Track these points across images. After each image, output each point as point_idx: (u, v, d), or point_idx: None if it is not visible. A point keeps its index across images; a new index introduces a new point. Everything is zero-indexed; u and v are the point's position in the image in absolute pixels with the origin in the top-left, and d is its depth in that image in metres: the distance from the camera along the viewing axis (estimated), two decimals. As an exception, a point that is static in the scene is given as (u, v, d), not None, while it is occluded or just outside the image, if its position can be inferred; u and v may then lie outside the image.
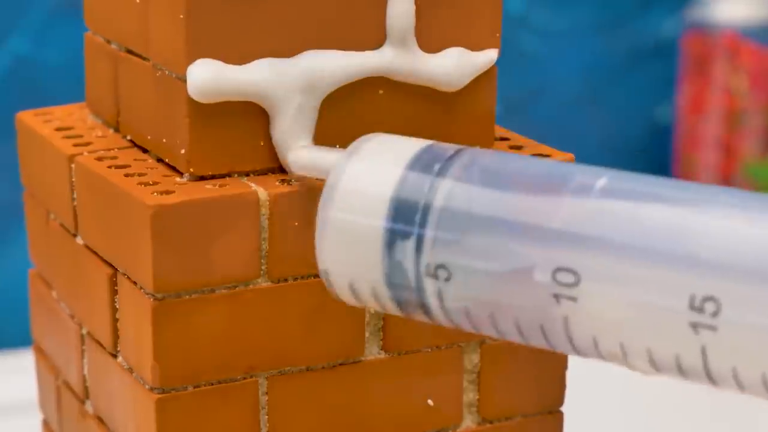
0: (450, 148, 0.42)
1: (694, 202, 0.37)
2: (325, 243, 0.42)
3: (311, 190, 0.47)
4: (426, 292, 0.41)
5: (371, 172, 0.42)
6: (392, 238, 0.40)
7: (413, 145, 0.43)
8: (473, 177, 0.40)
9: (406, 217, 0.40)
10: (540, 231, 0.38)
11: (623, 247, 0.37)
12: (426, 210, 0.40)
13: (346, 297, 0.43)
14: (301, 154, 0.45)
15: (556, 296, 0.38)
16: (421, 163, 0.41)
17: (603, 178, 0.39)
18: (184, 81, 0.47)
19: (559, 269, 0.38)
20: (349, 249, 0.41)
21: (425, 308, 0.41)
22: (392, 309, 0.42)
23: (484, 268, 0.39)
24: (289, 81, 0.47)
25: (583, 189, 0.39)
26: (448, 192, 0.40)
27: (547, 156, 0.52)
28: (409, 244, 0.40)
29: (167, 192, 0.46)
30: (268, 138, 0.48)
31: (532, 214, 0.39)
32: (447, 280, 0.40)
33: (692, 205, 0.37)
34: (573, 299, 0.38)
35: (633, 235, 0.37)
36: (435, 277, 0.40)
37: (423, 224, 0.40)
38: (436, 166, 0.41)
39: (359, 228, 0.41)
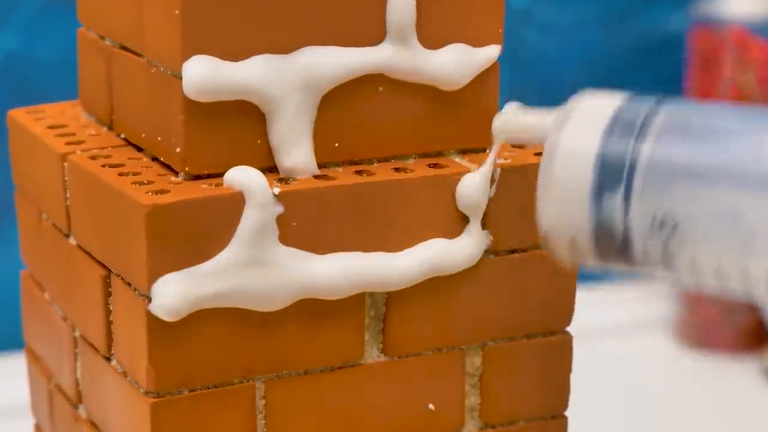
0: (646, 103, 0.45)
1: None
2: (547, 201, 0.45)
3: (310, 190, 0.47)
4: (637, 243, 0.43)
5: (580, 136, 0.45)
6: (600, 189, 0.44)
7: (611, 104, 0.46)
8: (672, 137, 0.43)
9: (613, 171, 0.44)
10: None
11: None
12: (632, 163, 0.43)
13: (566, 254, 0.45)
14: (510, 119, 0.48)
15: None
16: (618, 128, 0.44)
17: None
18: (180, 78, 0.47)
19: None
20: (565, 204, 0.44)
21: (635, 260, 0.44)
22: (617, 264, 0.45)
23: (711, 214, 0.42)
24: (287, 78, 0.47)
25: None
26: (653, 145, 0.43)
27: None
28: (618, 195, 0.43)
29: (162, 191, 0.46)
30: (265, 136, 0.48)
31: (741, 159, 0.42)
32: (674, 229, 0.42)
33: None
34: None
35: None
36: (662, 227, 0.43)
37: (630, 175, 0.43)
38: (635, 129, 0.44)
39: (574, 184, 0.44)
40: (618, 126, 0.44)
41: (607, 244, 0.44)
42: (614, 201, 0.43)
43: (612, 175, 0.43)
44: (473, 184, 0.49)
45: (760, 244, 0.41)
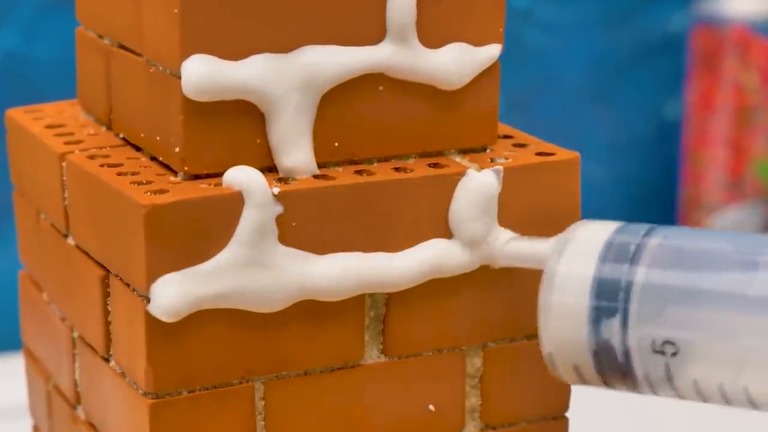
0: (638, 229, 0.46)
1: None
2: (548, 326, 0.46)
3: (309, 190, 0.47)
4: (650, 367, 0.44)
5: (577, 263, 0.46)
6: (598, 315, 0.45)
7: (606, 231, 0.47)
8: (666, 261, 0.44)
9: (610, 297, 0.45)
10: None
11: None
12: (628, 287, 0.45)
13: (571, 378, 0.47)
14: (512, 246, 0.48)
15: None
16: (613, 253, 0.46)
17: None
18: (179, 77, 0.47)
19: None
20: (566, 330, 0.46)
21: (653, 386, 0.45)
22: (621, 387, 0.46)
23: (712, 341, 0.43)
24: (286, 78, 0.47)
25: None
26: (646, 272, 0.44)
27: (552, 154, 0.51)
28: (615, 321, 0.45)
29: (161, 191, 0.46)
30: (265, 136, 0.48)
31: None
32: (674, 354, 0.44)
33: None
34: None
35: None
36: (662, 353, 0.44)
37: (626, 300, 0.44)
38: (629, 254, 0.45)
39: (572, 310, 0.45)
40: (612, 252, 0.45)
41: (608, 368, 0.45)
42: (612, 326, 0.45)
43: (608, 300, 0.45)
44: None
45: (755, 365, 0.42)
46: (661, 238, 0.45)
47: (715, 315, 0.43)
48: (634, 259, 0.45)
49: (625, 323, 0.44)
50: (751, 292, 0.42)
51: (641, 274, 0.44)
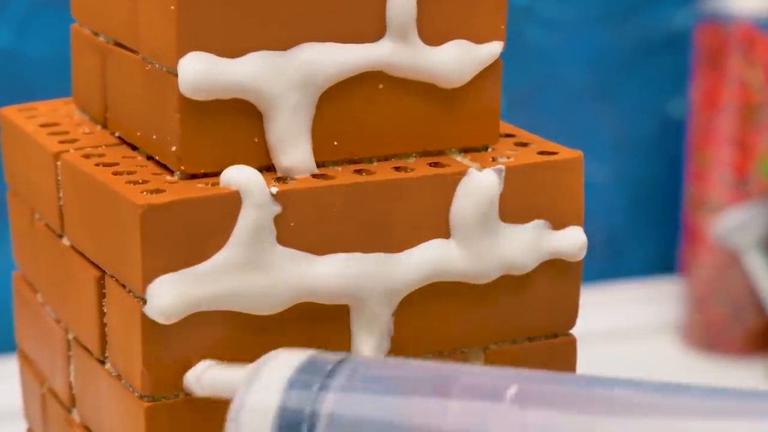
0: (331, 359, 0.43)
1: (608, 407, 0.38)
2: None
3: (308, 190, 0.47)
4: None
5: (261, 395, 0.43)
6: None
7: (296, 359, 0.44)
8: (357, 385, 0.42)
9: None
10: None
11: None
12: (313, 421, 0.41)
13: None
14: (207, 376, 0.46)
15: None
16: (301, 382, 0.43)
17: (514, 385, 0.40)
18: (175, 75, 0.47)
19: None
20: None
21: None
22: None
23: None
24: (285, 76, 0.47)
25: (495, 395, 0.40)
26: (334, 402, 0.42)
27: (554, 153, 0.51)
28: None
29: (157, 191, 0.46)
30: (263, 135, 0.48)
31: (425, 417, 0.40)
32: None
33: (607, 412, 0.38)
34: None
35: None
36: None
37: None
38: (317, 382, 0.42)
39: None
40: (300, 381, 0.43)
41: None
42: None
43: None
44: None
45: None
46: (353, 364, 0.42)
47: None
48: (323, 386, 0.42)
49: None
50: (445, 426, 0.40)
51: (329, 403, 0.41)
